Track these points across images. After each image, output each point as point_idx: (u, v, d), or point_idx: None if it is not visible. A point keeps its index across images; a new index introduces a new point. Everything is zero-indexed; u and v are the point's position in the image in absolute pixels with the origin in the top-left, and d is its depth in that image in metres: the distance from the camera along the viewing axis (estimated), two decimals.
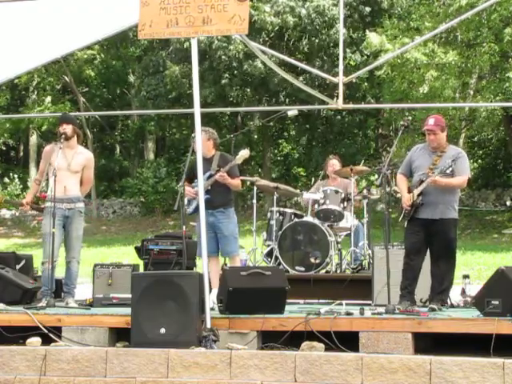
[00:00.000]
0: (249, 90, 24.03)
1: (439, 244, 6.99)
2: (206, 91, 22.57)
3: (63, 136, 7.49)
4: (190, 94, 20.91)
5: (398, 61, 19.75)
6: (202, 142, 7.71)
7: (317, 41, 23.12)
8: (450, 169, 6.83)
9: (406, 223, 7.19)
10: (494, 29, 19.73)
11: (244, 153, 7.95)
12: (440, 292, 7.02)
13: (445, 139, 7.18)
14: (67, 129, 7.57)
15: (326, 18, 22.21)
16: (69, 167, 7.54)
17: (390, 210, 7.31)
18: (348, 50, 23.14)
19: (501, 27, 19.47)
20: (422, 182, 7.00)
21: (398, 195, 7.47)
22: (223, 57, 22.76)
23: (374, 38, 20.33)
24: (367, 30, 21.50)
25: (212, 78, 23.55)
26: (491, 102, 19.19)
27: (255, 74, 22.77)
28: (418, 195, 6.99)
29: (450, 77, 19.47)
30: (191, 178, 7.75)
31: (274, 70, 9.94)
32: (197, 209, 7.43)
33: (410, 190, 7.10)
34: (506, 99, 18.73)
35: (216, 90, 23.55)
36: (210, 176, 7.71)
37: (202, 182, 6.55)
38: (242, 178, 8.35)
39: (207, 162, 7.72)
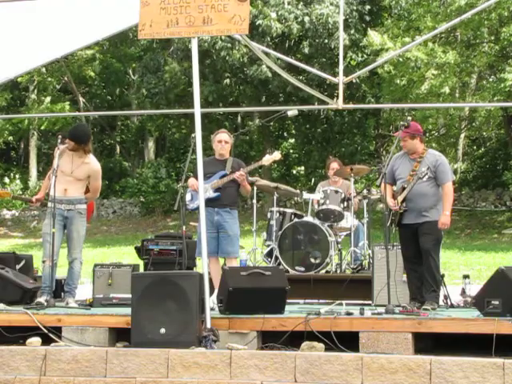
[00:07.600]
0: (249, 89, 23.95)
1: (426, 245, 7.06)
2: (206, 90, 22.51)
3: (60, 137, 7.50)
4: (190, 92, 20.85)
5: (400, 59, 19.77)
6: (226, 144, 7.75)
7: (318, 44, 23.09)
8: (426, 176, 6.98)
9: (394, 230, 7.28)
10: (493, 28, 19.73)
11: (275, 155, 7.86)
12: (432, 291, 7.04)
13: (418, 145, 7.29)
14: (67, 143, 7.58)
15: (329, 26, 22.20)
16: (71, 173, 7.55)
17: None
18: (349, 51, 23.11)
19: (498, 27, 19.46)
20: (404, 188, 7.16)
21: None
22: (227, 57, 22.67)
23: (375, 37, 20.32)
24: (368, 29, 21.47)
25: (213, 77, 23.48)
26: (489, 101, 19.17)
27: (261, 77, 22.67)
28: (402, 202, 7.13)
29: (449, 76, 19.46)
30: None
31: (278, 72, 9.91)
32: None
33: (394, 197, 7.25)
34: (505, 99, 18.70)
35: (218, 90, 23.48)
36: (224, 175, 7.68)
37: (202, 182, 6.54)
38: None
39: (220, 163, 7.78)
